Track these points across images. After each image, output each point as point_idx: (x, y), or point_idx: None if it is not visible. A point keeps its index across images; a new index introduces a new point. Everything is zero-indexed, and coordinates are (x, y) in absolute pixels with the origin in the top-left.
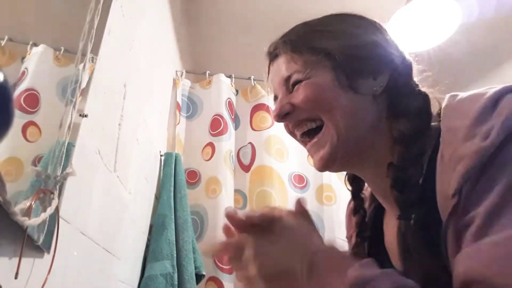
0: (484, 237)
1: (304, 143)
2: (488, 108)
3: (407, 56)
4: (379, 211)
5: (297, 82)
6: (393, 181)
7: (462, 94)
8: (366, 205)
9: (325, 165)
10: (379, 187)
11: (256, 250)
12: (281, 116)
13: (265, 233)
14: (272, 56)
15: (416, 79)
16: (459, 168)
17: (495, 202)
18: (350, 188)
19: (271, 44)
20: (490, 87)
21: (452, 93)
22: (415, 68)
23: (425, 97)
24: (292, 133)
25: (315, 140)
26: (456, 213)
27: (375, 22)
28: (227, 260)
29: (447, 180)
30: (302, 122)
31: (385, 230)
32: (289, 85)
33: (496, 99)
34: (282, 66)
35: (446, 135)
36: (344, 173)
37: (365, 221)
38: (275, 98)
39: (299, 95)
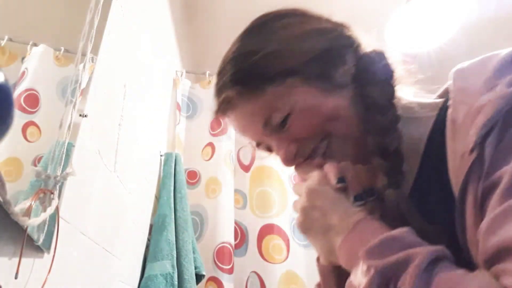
0: None
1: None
2: (507, 62)
3: (347, 31)
4: None
5: (282, 118)
6: (375, 148)
7: (470, 61)
8: None
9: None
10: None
11: (314, 188)
12: (292, 158)
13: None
14: (227, 107)
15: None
16: (478, 118)
17: None
18: None
19: (217, 95)
20: (499, 51)
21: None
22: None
23: (385, 63)
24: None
25: (328, 154)
26: (477, 171)
27: (296, 10)
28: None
29: (462, 139)
30: (317, 149)
31: None
32: (273, 125)
33: None
34: (251, 115)
35: (458, 96)
36: None
37: None
38: (258, 144)
39: (299, 128)
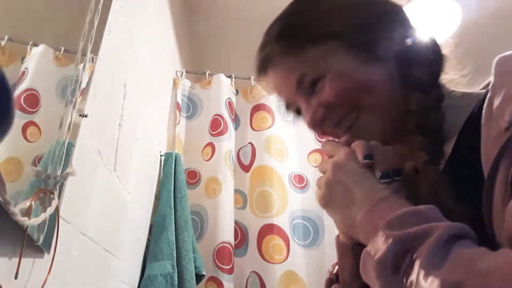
0: None
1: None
2: None
3: (398, 8)
4: None
5: (315, 80)
6: (416, 126)
7: None
8: None
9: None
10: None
11: (340, 163)
12: (318, 122)
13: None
14: (268, 64)
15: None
16: None
17: None
18: None
19: (260, 52)
20: None
21: None
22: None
23: (434, 46)
24: (331, 134)
25: (357, 130)
26: (510, 150)
27: None
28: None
29: (498, 120)
30: (343, 120)
31: None
32: (306, 86)
33: None
34: (287, 72)
35: (497, 80)
36: None
37: None
38: (288, 105)
39: (329, 92)
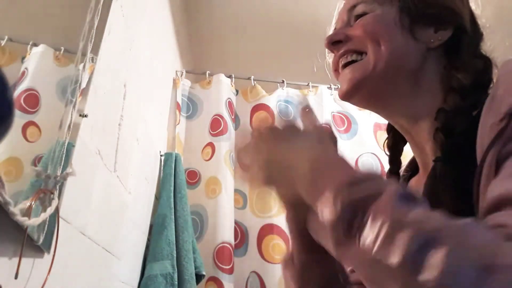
0: None
1: None
2: None
3: (479, 21)
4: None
5: (361, 14)
6: (442, 125)
7: None
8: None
9: (349, 90)
10: (413, 138)
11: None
12: (331, 43)
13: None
14: None
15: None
16: None
17: None
18: (387, 153)
19: None
20: None
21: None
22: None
23: (487, 62)
24: (336, 67)
25: (350, 66)
26: (502, 139)
27: None
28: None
29: (494, 113)
30: (349, 52)
31: None
32: (352, 16)
33: None
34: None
35: (501, 77)
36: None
37: None
38: (335, 30)
39: (358, 28)
